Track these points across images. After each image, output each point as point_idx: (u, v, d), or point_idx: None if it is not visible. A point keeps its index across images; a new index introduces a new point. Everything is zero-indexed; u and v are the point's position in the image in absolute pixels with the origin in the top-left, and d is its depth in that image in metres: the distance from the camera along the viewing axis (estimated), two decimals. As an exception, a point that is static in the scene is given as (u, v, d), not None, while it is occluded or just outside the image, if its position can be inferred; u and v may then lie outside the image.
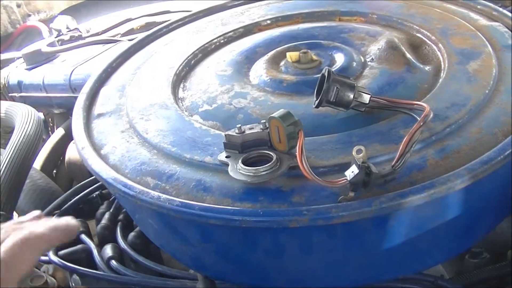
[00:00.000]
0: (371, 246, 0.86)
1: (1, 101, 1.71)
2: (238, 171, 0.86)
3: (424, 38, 1.22)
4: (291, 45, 1.23)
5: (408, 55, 1.14)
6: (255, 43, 1.29)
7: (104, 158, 1.02)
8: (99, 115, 1.16)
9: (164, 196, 0.86)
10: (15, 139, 1.26)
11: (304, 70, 1.14)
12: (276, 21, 1.40)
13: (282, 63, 1.17)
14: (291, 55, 1.16)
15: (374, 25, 1.32)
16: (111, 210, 1.29)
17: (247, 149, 0.90)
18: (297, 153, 0.82)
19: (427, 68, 1.11)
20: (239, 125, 0.90)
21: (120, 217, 1.26)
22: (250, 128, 0.91)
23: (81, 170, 1.58)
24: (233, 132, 0.90)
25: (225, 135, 0.91)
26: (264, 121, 0.90)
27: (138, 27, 2.07)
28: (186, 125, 1.04)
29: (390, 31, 1.26)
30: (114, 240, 1.21)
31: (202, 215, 0.81)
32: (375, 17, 1.34)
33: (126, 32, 2.02)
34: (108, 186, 0.97)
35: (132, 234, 1.20)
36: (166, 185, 0.91)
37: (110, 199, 1.36)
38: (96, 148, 1.05)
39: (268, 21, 1.40)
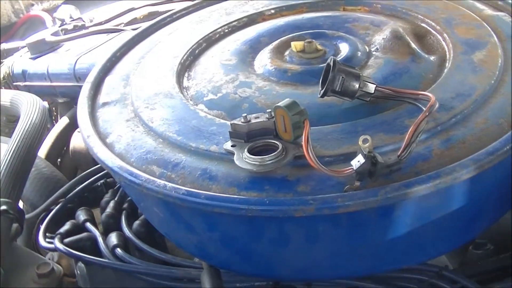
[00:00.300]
0: (376, 236, 0.86)
1: (6, 90, 1.72)
2: (244, 160, 0.86)
3: (429, 28, 1.22)
4: (296, 35, 1.23)
5: (413, 45, 1.14)
6: (259, 33, 1.29)
7: (109, 146, 1.02)
8: (104, 104, 1.16)
9: (170, 184, 0.86)
10: (21, 127, 1.26)
11: (309, 59, 1.13)
12: (280, 11, 1.40)
13: (287, 52, 1.17)
14: (296, 45, 1.16)
15: (379, 14, 1.31)
16: (115, 199, 1.29)
17: (253, 138, 0.90)
18: (302, 143, 0.83)
19: (432, 58, 1.11)
20: (245, 115, 0.90)
21: (125, 205, 1.26)
22: (256, 117, 0.91)
23: (85, 159, 1.58)
24: (238, 121, 0.91)
25: (231, 124, 0.91)
26: (270, 110, 0.90)
27: (141, 17, 2.06)
28: (191, 114, 1.04)
29: (395, 21, 1.26)
30: (119, 229, 1.21)
31: (208, 204, 0.82)
32: (379, 7, 1.33)
33: (129, 22, 2.02)
34: (114, 175, 0.98)
35: (136, 222, 1.20)
36: (172, 173, 0.91)
37: (115, 188, 1.36)
38: (102, 137, 1.05)
39: (272, 11, 1.40)
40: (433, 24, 1.21)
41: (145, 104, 1.10)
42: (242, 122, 0.90)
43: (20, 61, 1.89)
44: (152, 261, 1.12)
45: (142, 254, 1.15)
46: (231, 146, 0.90)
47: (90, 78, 1.24)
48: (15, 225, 1.09)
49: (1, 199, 1.08)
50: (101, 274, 1.16)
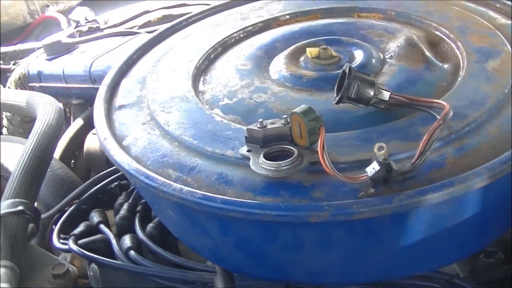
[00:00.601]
0: (389, 242, 0.87)
1: (22, 91, 1.74)
2: (260, 165, 0.87)
3: (442, 36, 1.23)
4: (311, 41, 1.24)
5: (427, 53, 1.15)
6: (275, 38, 1.30)
7: (126, 149, 1.03)
8: (120, 107, 1.17)
9: (186, 188, 0.88)
10: (37, 128, 1.27)
11: (324, 66, 1.14)
12: (295, 16, 1.41)
13: (302, 58, 1.18)
14: (311, 51, 1.17)
15: (393, 22, 1.32)
16: (129, 201, 1.30)
17: (268, 144, 0.91)
18: (318, 149, 0.84)
19: (445, 66, 1.12)
20: (261, 120, 0.91)
21: (139, 208, 1.27)
22: (272, 123, 0.92)
23: (99, 161, 1.60)
24: (254, 126, 0.92)
25: (247, 129, 0.92)
26: (286, 116, 0.91)
27: (155, 20, 2.08)
28: (207, 119, 1.05)
29: (409, 28, 1.26)
30: (132, 231, 1.22)
31: (224, 208, 0.83)
32: (393, 14, 1.34)
33: (143, 25, 2.03)
34: (130, 177, 0.99)
35: (150, 225, 1.21)
36: (187, 177, 0.92)
37: (129, 190, 1.37)
38: (118, 139, 1.06)
39: (287, 16, 1.41)
40: (447, 32, 1.22)
41: (161, 108, 1.12)
42: (258, 127, 0.91)
43: (36, 62, 1.90)
44: (165, 264, 1.13)
45: (155, 257, 1.16)
46: (247, 151, 0.91)
47: (107, 81, 1.26)
48: (31, 226, 1.11)
49: (18, 200, 1.09)
50: (114, 276, 1.17)
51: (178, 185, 0.89)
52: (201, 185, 0.90)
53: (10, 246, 1.02)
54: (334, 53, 1.16)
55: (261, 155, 0.88)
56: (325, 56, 1.15)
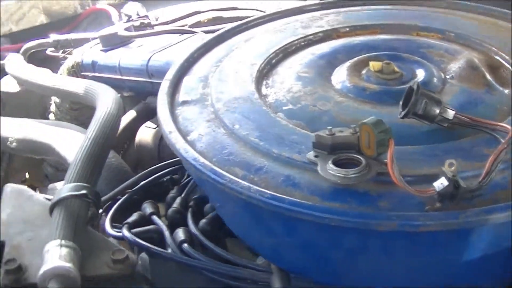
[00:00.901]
0: (448, 255, 0.89)
1: (78, 79, 1.77)
2: (328, 171, 0.89)
3: (502, 61, 1.25)
4: (372, 55, 1.26)
5: (488, 76, 1.17)
6: (336, 49, 1.33)
7: (191, 144, 1.06)
8: (184, 103, 1.20)
9: (254, 187, 0.90)
10: (99, 116, 1.30)
11: (386, 80, 1.17)
12: (355, 30, 1.43)
13: (364, 71, 1.21)
14: (374, 65, 1.19)
15: (452, 43, 1.34)
16: (182, 196, 1.33)
17: (335, 151, 0.93)
18: (387, 161, 0.86)
19: (506, 91, 1.14)
20: (330, 127, 0.94)
21: (191, 203, 1.30)
22: (340, 131, 0.94)
23: (150, 154, 1.63)
24: (323, 133, 0.94)
25: (316, 135, 0.95)
26: (354, 126, 0.93)
27: (206, 20, 2.11)
28: (272, 121, 1.08)
29: (469, 50, 1.29)
30: (184, 225, 1.24)
31: (293, 210, 0.85)
32: (453, 35, 1.37)
33: (193, 24, 2.06)
34: (194, 172, 1.01)
35: (203, 221, 1.23)
36: (254, 177, 0.95)
37: (180, 185, 1.40)
38: (183, 134, 1.09)
39: (347, 29, 1.43)
40: (506, 57, 1.24)
41: (226, 107, 1.14)
42: (327, 134, 0.94)
43: (91, 52, 1.93)
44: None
45: (205, 252, 1.18)
46: (314, 156, 0.94)
47: (169, 76, 1.29)
48: (92, 210, 1.13)
49: (81, 184, 1.12)
50: (164, 267, 1.19)
51: (246, 184, 0.91)
52: (268, 186, 0.93)
53: (73, 228, 1.04)
54: (396, 69, 1.19)
55: (330, 162, 0.90)
56: (387, 71, 1.18)
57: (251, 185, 0.91)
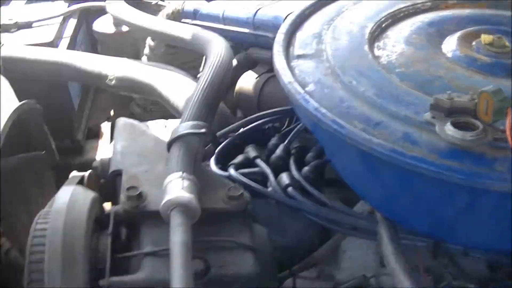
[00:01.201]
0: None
1: (186, 25, 1.85)
2: (447, 132, 0.95)
3: None
4: (482, 28, 1.30)
5: None
6: (445, 19, 1.37)
7: (309, 94, 1.13)
8: (299, 56, 1.27)
9: (376, 139, 0.97)
10: (213, 61, 1.38)
11: (496, 53, 1.21)
12: (463, 2, 1.47)
13: (474, 43, 1.25)
14: (485, 38, 1.23)
15: None
16: (285, 143, 1.41)
17: (452, 115, 0.99)
18: (506, 128, 0.92)
19: None
20: (449, 92, 0.99)
21: (293, 151, 1.38)
22: (458, 96, 1.00)
23: (249, 101, 1.71)
24: (442, 96, 1.00)
25: (434, 98, 1.00)
26: (472, 93, 0.99)
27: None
28: (386, 81, 1.14)
29: None
30: (285, 171, 1.32)
31: (413, 164, 0.92)
32: None
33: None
34: (315, 121, 1.08)
35: (306, 168, 1.31)
36: (374, 130, 1.01)
37: (282, 132, 1.48)
38: (301, 85, 1.16)
39: (455, 0, 1.47)
40: None
41: (341, 64, 1.21)
42: (446, 98, 0.99)
43: (193, 1, 2.01)
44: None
45: (307, 198, 1.25)
46: (431, 117, 1.00)
47: (283, 30, 1.35)
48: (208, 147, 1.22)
49: (201, 122, 1.20)
50: (264, 209, 1.27)
51: (367, 136, 0.98)
52: (387, 140, 0.99)
53: (192, 162, 1.12)
54: (507, 43, 1.23)
55: (448, 123, 0.96)
56: (498, 45, 1.22)
57: (372, 138, 0.97)
